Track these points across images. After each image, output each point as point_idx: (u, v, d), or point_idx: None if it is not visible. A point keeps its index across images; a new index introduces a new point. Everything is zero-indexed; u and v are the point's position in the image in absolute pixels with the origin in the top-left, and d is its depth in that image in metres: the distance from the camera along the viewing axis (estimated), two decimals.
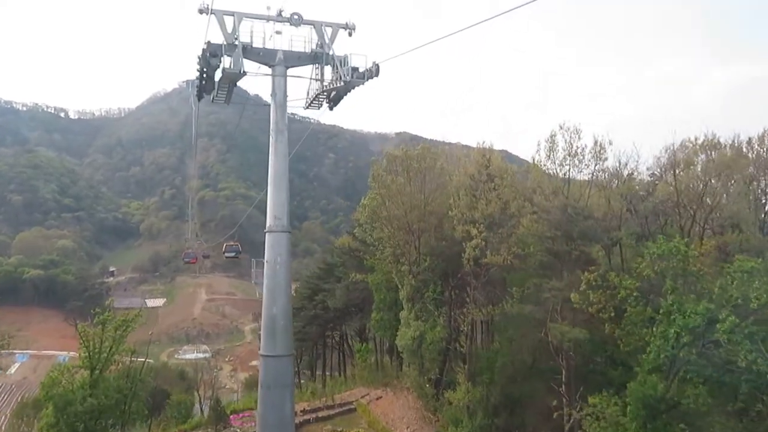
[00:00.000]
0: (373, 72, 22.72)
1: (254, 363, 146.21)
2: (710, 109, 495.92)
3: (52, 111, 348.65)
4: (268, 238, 24.36)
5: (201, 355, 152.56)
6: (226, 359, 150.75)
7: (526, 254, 28.38)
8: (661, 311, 20.50)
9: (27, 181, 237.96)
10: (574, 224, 24.85)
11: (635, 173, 30.24)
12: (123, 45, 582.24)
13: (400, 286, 35.10)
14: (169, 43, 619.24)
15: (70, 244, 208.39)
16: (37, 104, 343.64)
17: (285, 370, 23.98)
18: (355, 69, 23.53)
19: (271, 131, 24.81)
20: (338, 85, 23.95)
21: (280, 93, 24.72)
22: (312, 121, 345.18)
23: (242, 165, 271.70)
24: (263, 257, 24.23)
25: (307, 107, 28.20)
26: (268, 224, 24.45)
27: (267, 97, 26.47)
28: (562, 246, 25.64)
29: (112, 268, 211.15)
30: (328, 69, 25.76)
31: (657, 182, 32.58)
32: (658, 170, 33.83)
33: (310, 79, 25.49)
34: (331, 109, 28.08)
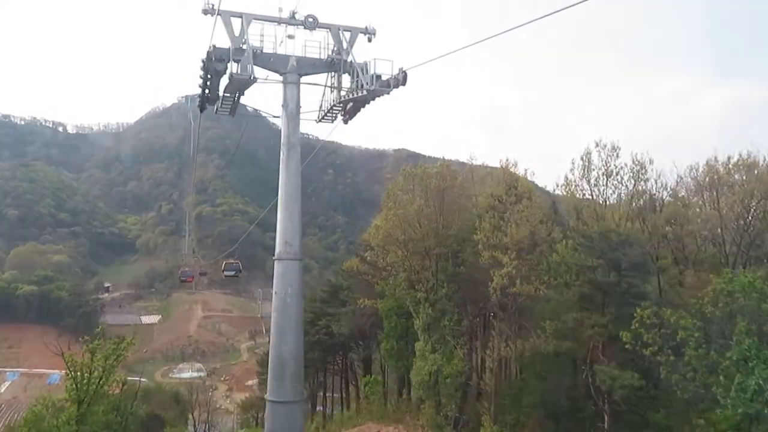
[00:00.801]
0: (400, 80, 19.91)
1: (250, 383, 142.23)
2: (709, 127, 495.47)
3: (51, 125, 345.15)
4: (277, 267, 21.44)
5: (196, 374, 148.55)
6: (222, 378, 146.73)
7: (559, 284, 25.46)
8: (731, 356, 17.59)
9: (23, 196, 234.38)
10: (620, 252, 21.96)
11: (674, 195, 27.51)
12: (122, 60, 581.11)
13: (414, 315, 32.12)
14: (169, 58, 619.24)
15: (65, 259, 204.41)
16: (35, 118, 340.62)
17: (294, 417, 20.95)
18: (377, 77, 20.77)
19: (282, 146, 21.95)
20: (359, 94, 21.15)
21: (292, 103, 21.89)
22: (310, 137, 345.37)
23: (240, 181, 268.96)
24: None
25: (320, 120, 25.39)
26: (277, 251, 21.53)
27: (268, 110, 23.99)
28: (605, 277, 22.72)
29: (107, 284, 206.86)
30: (345, 78, 23.13)
31: (685, 204, 29.72)
32: (684, 191, 31.11)
33: (325, 86, 22.73)
34: (345, 122, 25.28)
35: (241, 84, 20.53)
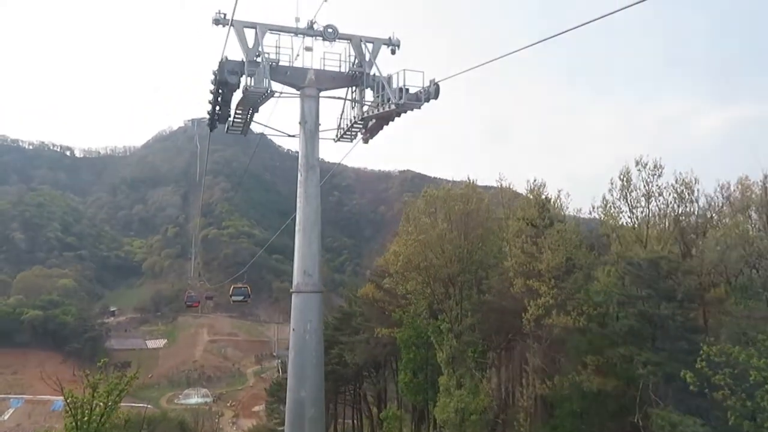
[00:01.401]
0: (431, 93, 17.85)
1: (257, 409, 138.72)
2: (708, 149, 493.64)
3: (58, 149, 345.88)
4: (295, 301, 19.29)
5: (202, 400, 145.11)
6: (228, 404, 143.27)
7: (599, 315, 23.13)
8: None
9: (30, 220, 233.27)
10: (672, 282, 19.68)
11: (720, 216, 25.23)
12: (129, 84, 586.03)
13: (437, 347, 29.75)
14: (176, 81, 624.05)
15: (71, 283, 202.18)
16: (43, 143, 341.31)
17: None
18: (405, 90, 18.74)
19: (299, 167, 19.90)
20: (385, 109, 19.15)
21: (311, 120, 19.90)
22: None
23: (246, 203, 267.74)
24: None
25: (339, 139, 23.42)
26: (295, 282, 19.38)
27: (277, 130, 22.17)
28: (656, 308, 20.40)
29: (112, 308, 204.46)
30: (367, 92, 21.16)
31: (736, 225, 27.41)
32: (714, 213, 28.76)
33: (346, 100, 20.73)
34: (366, 141, 23.27)
35: (255, 99, 18.54)
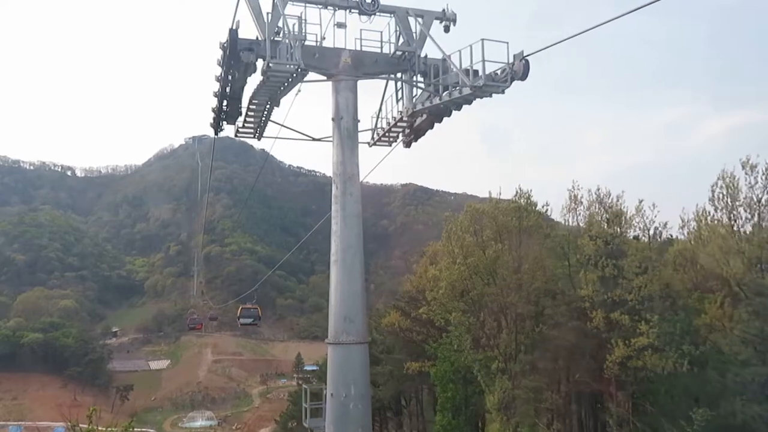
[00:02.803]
0: (519, 71, 13.02)
1: (263, 431, 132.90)
2: (708, 156, 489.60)
3: (59, 169, 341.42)
4: (332, 355, 14.31)
5: (207, 423, 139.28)
6: (234, 427, 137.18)
7: (703, 355, 18.15)
8: None
9: (31, 240, 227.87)
10: None
11: None
12: (130, 102, 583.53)
13: (486, 389, 24.70)
14: (176, 100, 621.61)
15: (72, 304, 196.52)
16: (44, 163, 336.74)
17: None
18: (474, 72, 13.90)
19: (334, 178, 14.98)
20: (449, 98, 14.31)
21: (348, 116, 14.98)
22: (317, 174, 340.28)
23: (249, 219, 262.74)
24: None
25: (375, 143, 18.55)
26: (331, 331, 14.43)
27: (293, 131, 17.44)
28: None
29: (114, 329, 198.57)
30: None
31: None
32: None
33: (396, 81, 15.89)
34: (408, 145, 18.36)
35: (278, 84, 13.67)
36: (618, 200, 23.00)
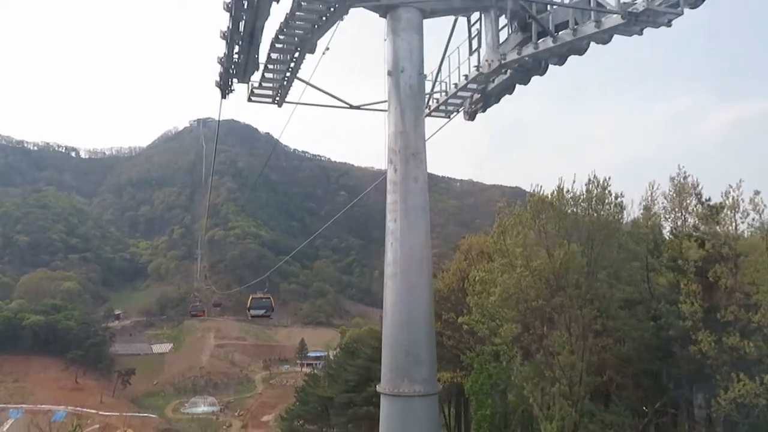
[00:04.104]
0: None
1: (266, 418, 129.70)
2: (712, 148, 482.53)
3: (63, 150, 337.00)
4: (388, 410, 9.88)
5: (209, 409, 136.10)
6: (236, 414, 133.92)
7: None
8: None
9: (34, 222, 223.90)
10: None
11: None
12: (135, 83, 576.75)
13: (540, 415, 20.43)
14: (181, 82, 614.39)
15: (75, 286, 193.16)
16: (48, 143, 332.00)
17: None
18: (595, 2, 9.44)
19: (390, 158, 10.44)
20: (566, 41, 9.84)
21: (411, 67, 10.35)
22: (322, 158, 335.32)
23: (253, 203, 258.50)
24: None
25: (431, 113, 14.10)
26: (387, 375, 10.06)
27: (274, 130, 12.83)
28: None
29: (117, 311, 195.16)
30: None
31: None
32: None
33: (485, 22, 11.46)
34: (472, 117, 13.94)
35: (316, 17, 9.29)
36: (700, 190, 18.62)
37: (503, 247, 19.69)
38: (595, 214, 18.62)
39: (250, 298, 35.75)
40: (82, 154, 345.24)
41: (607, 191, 18.89)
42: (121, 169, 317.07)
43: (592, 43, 10.08)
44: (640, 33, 8.84)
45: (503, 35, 11.57)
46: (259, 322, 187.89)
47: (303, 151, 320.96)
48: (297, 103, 13.35)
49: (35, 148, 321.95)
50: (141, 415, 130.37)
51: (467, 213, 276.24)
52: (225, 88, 12.54)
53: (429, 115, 13.88)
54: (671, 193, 19.43)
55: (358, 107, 13.84)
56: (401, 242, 9.85)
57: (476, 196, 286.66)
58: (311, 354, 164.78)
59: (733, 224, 16.33)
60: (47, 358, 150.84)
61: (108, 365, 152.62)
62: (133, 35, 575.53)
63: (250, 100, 12.81)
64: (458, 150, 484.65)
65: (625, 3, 8.87)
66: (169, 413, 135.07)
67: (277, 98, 12.93)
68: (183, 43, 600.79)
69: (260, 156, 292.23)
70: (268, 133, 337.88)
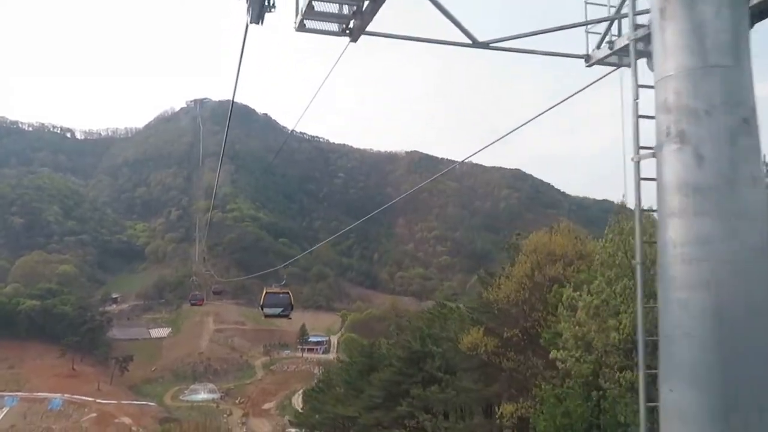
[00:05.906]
0: None
1: (267, 406, 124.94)
2: None
3: (59, 131, 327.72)
4: None
5: (209, 396, 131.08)
6: (237, 401, 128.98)
7: None
8: None
9: (29, 203, 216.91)
10: None
11: None
12: (131, 63, 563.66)
13: None
14: (177, 61, 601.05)
15: (71, 269, 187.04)
16: (43, 124, 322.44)
17: None
18: None
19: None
20: None
21: None
22: (321, 140, 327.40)
23: (251, 185, 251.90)
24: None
25: (595, 62, 7.82)
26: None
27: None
28: None
29: (114, 295, 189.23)
30: None
31: None
32: None
33: None
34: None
35: None
36: None
37: (613, 262, 13.76)
38: None
39: (264, 292, 26.20)
40: (78, 135, 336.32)
41: None
42: (117, 150, 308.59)
43: None
44: None
45: None
46: (257, 305, 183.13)
47: (301, 132, 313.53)
48: (378, 35, 7.20)
49: (30, 129, 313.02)
50: (139, 403, 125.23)
51: (467, 195, 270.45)
52: (260, 11, 6.43)
53: (600, 60, 7.84)
54: None
55: (486, 45, 7.61)
56: None
57: (476, 178, 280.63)
58: (312, 339, 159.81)
59: None
60: (43, 344, 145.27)
61: (105, 351, 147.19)
62: (128, 14, 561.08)
63: (302, 26, 6.63)
64: (457, 132, 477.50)
65: None
66: (168, 401, 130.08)
67: (352, 23, 6.71)
68: (179, 21, 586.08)
69: (257, 138, 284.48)
70: (266, 114, 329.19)
